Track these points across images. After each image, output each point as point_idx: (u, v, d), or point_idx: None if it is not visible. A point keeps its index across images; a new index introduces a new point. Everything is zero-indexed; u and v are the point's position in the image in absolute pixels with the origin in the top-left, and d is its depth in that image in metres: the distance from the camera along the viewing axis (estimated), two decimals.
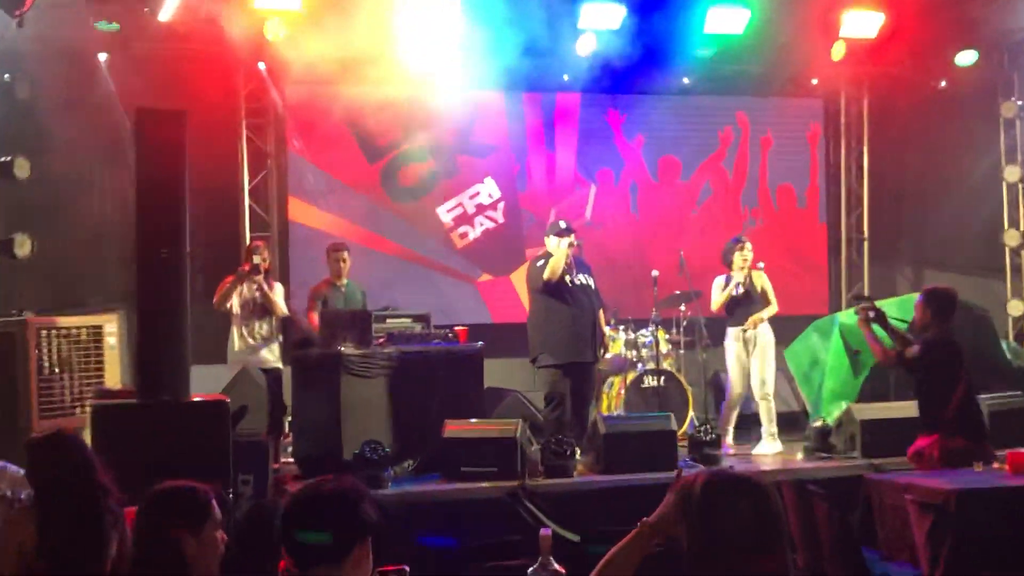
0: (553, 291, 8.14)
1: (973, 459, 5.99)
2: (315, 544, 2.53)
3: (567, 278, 8.16)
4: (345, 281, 9.15)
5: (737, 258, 8.84)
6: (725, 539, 2.51)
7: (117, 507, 3.98)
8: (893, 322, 6.65)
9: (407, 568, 2.82)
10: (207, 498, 3.06)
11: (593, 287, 8.36)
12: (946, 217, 11.43)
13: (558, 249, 8.15)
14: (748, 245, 8.91)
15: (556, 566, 3.00)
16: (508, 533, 6.28)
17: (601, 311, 8.55)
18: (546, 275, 8.10)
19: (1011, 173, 11.48)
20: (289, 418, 8.52)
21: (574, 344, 8.18)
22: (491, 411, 8.65)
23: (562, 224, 8.39)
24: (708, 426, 8.01)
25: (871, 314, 6.58)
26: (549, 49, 9.98)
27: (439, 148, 10.87)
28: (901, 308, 8.03)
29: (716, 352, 10.12)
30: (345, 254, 9.16)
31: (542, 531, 2.96)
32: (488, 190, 11.08)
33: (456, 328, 8.32)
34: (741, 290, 8.78)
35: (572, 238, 8.21)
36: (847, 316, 9.21)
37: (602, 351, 8.78)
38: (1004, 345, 9.81)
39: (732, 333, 8.81)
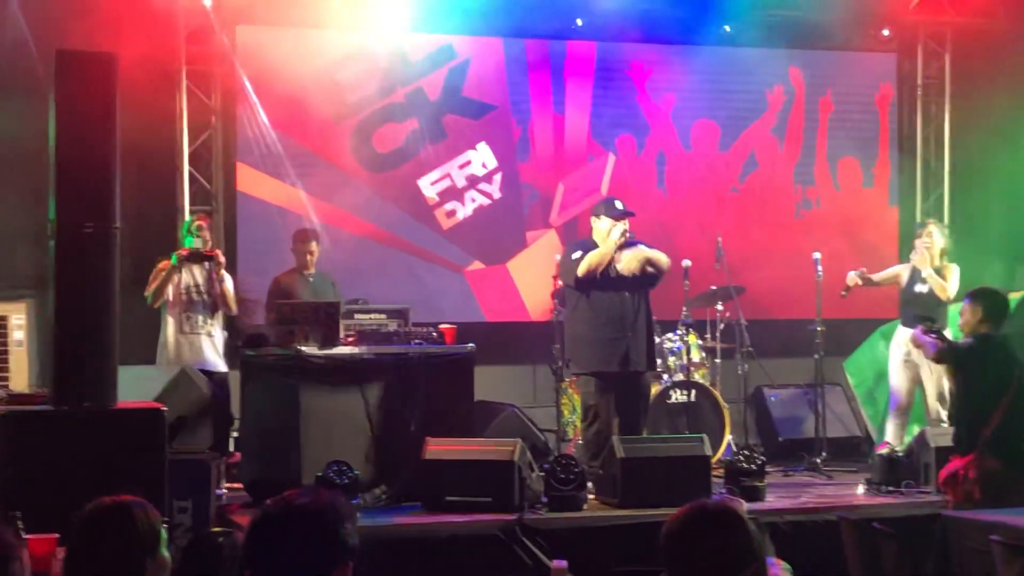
0: (585, 287, 8.27)
1: (1015, 486, 6.20)
2: (290, 568, 2.60)
3: (607, 269, 8.29)
4: (313, 271, 9.28)
5: (918, 244, 9.30)
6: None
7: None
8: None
9: None
10: (156, 514, 3.15)
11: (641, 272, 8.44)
12: None
13: (607, 239, 8.29)
14: (932, 228, 9.44)
15: None
16: (504, 573, 6.36)
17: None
18: (581, 270, 8.26)
19: None
20: (235, 433, 8.58)
21: (605, 350, 8.30)
22: (483, 429, 8.73)
23: (618, 204, 8.51)
24: (750, 452, 8.08)
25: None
26: None
27: (422, 106, 10.92)
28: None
29: (759, 363, 10.24)
30: (313, 244, 9.33)
31: (555, 563, 3.04)
32: (482, 158, 11.15)
33: (441, 326, 8.39)
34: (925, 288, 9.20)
35: (627, 224, 8.33)
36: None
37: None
38: None
39: (903, 334, 9.14)
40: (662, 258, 8.50)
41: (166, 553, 3.15)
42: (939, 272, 9.23)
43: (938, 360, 7.62)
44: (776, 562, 3.36)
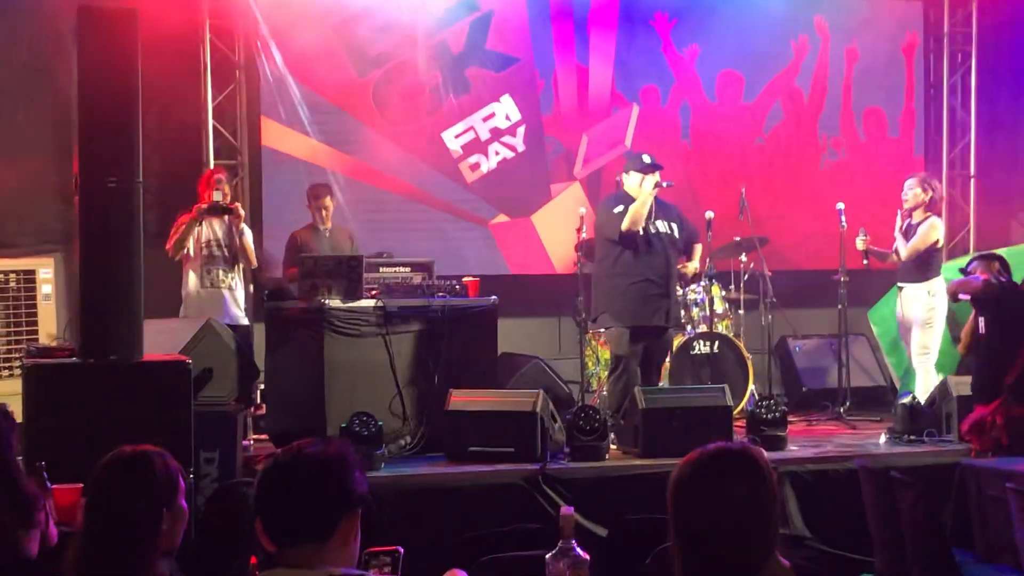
0: (626, 241, 8.32)
1: None
2: (298, 516, 2.65)
3: (642, 225, 8.33)
4: (329, 225, 9.33)
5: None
6: (709, 530, 2.63)
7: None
8: None
9: (401, 549, 2.95)
10: (175, 464, 3.20)
11: (676, 235, 8.54)
12: None
13: (641, 191, 8.31)
14: (908, 181, 9.45)
15: (579, 551, 3.13)
16: (524, 521, 6.42)
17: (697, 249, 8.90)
18: (625, 224, 8.27)
19: None
20: (262, 385, 8.67)
21: (647, 305, 8.37)
22: (506, 380, 8.79)
23: (646, 158, 8.54)
24: (772, 401, 8.11)
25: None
26: None
27: (445, 59, 10.92)
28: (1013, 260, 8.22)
29: (783, 314, 10.25)
30: (327, 200, 9.34)
31: (563, 509, 3.08)
32: (505, 111, 11.13)
33: (465, 279, 8.44)
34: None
35: (658, 176, 8.38)
36: (948, 269, 9.31)
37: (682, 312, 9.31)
38: None
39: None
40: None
41: (184, 504, 3.21)
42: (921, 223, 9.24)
43: (984, 292, 7.61)
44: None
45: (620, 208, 8.34)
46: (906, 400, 8.44)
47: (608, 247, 8.46)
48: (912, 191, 9.27)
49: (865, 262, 9.54)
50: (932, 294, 9.09)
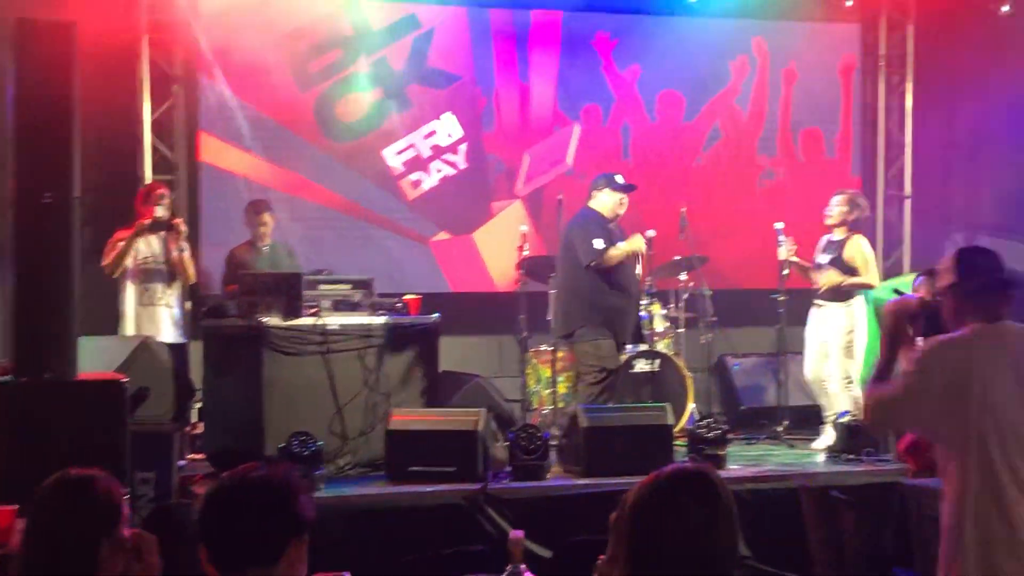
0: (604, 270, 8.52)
1: None
2: (244, 542, 2.60)
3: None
4: (268, 242, 9.26)
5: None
6: (668, 554, 2.60)
7: None
8: None
9: (348, 574, 2.90)
10: (119, 490, 3.12)
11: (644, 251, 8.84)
12: (1008, 171, 11.54)
13: (634, 247, 8.64)
14: (834, 198, 9.23)
15: (529, 575, 3.09)
16: (468, 545, 6.37)
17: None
18: (595, 262, 8.48)
19: None
20: (198, 404, 8.56)
21: (626, 320, 8.65)
22: (448, 399, 8.73)
23: (619, 179, 8.70)
24: (712, 420, 8.12)
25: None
26: None
27: (387, 75, 10.88)
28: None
29: (722, 332, 10.28)
30: (267, 216, 9.30)
31: (512, 533, 3.04)
32: (447, 128, 11.11)
33: (406, 297, 8.39)
34: (825, 259, 9.09)
35: (648, 235, 8.72)
36: (883, 290, 9.34)
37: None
38: None
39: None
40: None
41: (125, 533, 3.12)
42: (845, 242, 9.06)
43: (920, 310, 7.57)
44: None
45: (601, 244, 8.46)
46: (844, 419, 8.47)
47: (584, 270, 8.56)
48: (838, 208, 9.07)
49: (785, 272, 9.24)
50: (851, 315, 8.92)
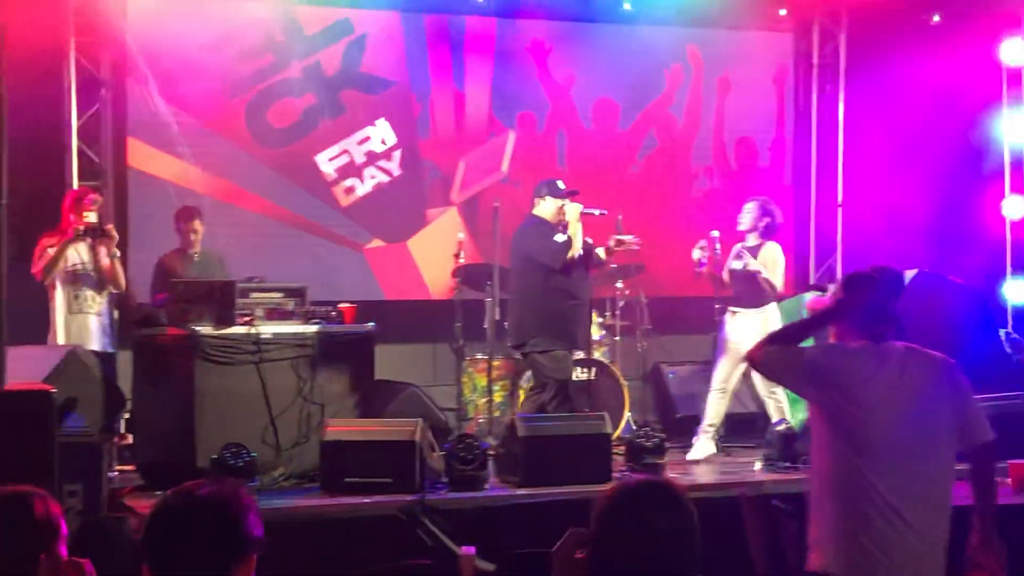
0: (566, 269, 8.36)
1: None
2: (190, 562, 2.50)
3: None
4: (198, 249, 9.14)
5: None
6: (632, 565, 2.65)
7: None
8: None
9: None
10: (57, 508, 3.02)
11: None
12: (940, 178, 11.63)
13: (573, 218, 8.34)
14: (746, 205, 9.12)
15: None
16: (407, 557, 6.28)
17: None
18: (571, 254, 8.31)
19: (1014, 129, 11.72)
20: (127, 415, 8.41)
21: (576, 328, 8.52)
22: (382, 408, 8.65)
23: (560, 184, 8.58)
24: (649, 429, 8.10)
25: None
26: None
27: (319, 81, 10.78)
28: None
29: (658, 340, 10.28)
30: (197, 223, 9.18)
31: (463, 550, 2.97)
32: (381, 135, 11.02)
33: (341, 305, 8.29)
34: (739, 264, 8.94)
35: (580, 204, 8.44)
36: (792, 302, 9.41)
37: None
38: (1003, 335, 10.12)
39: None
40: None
41: (64, 551, 3.02)
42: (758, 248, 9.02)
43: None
44: None
45: (562, 238, 8.34)
46: (780, 427, 8.48)
47: (537, 272, 8.42)
48: (749, 215, 9.01)
49: (699, 270, 8.97)
50: (766, 320, 8.83)
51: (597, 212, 8.54)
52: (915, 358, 4.11)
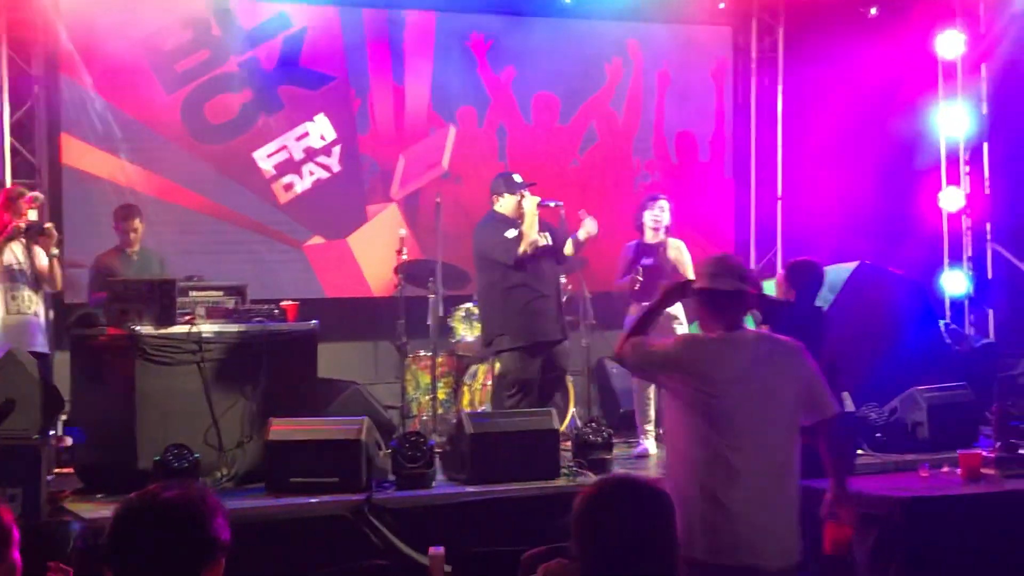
0: (520, 264, 8.27)
1: None
2: (155, 567, 2.43)
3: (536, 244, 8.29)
4: (137, 248, 9.02)
5: (647, 218, 8.98)
6: (616, 557, 2.71)
7: None
8: None
9: None
10: (9, 513, 2.92)
11: (551, 243, 8.46)
12: (877, 170, 11.73)
13: (529, 211, 8.23)
14: (662, 203, 9.04)
15: None
16: (356, 558, 6.22)
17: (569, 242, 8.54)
18: (523, 249, 8.21)
19: (949, 121, 11.83)
20: (65, 416, 8.25)
21: (548, 320, 8.43)
22: (325, 407, 8.56)
23: (516, 177, 8.51)
24: (596, 424, 8.07)
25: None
26: None
27: (257, 76, 10.67)
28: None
29: (602, 336, 10.25)
30: (136, 222, 9.07)
31: (432, 549, 2.93)
32: (320, 130, 10.94)
33: (283, 303, 8.18)
34: (649, 261, 8.86)
35: (535, 196, 8.34)
36: None
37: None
38: (942, 325, 10.23)
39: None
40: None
41: (17, 557, 2.92)
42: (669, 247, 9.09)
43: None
44: None
45: (513, 233, 8.25)
46: None
47: (496, 269, 8.36)
48: (667, 212, 9.07)
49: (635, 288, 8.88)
50: (676, 317, 8.94)
51: (553, 204, 8.49)
52: (766, 344, 4.48)
